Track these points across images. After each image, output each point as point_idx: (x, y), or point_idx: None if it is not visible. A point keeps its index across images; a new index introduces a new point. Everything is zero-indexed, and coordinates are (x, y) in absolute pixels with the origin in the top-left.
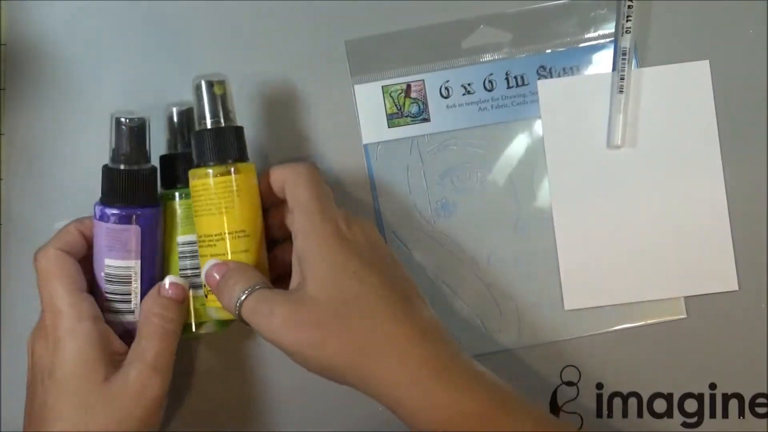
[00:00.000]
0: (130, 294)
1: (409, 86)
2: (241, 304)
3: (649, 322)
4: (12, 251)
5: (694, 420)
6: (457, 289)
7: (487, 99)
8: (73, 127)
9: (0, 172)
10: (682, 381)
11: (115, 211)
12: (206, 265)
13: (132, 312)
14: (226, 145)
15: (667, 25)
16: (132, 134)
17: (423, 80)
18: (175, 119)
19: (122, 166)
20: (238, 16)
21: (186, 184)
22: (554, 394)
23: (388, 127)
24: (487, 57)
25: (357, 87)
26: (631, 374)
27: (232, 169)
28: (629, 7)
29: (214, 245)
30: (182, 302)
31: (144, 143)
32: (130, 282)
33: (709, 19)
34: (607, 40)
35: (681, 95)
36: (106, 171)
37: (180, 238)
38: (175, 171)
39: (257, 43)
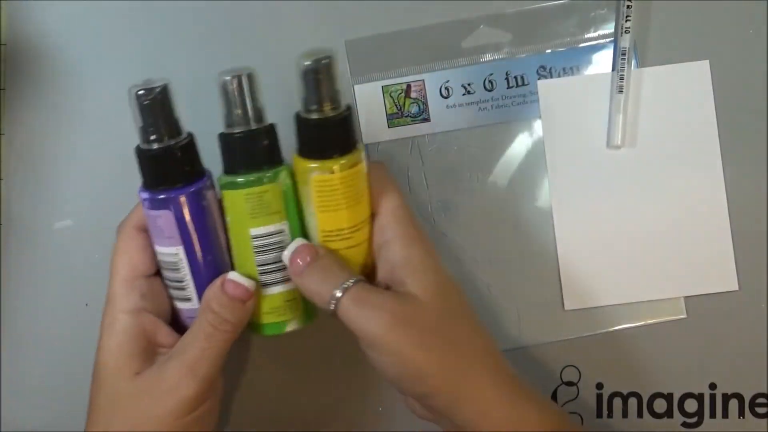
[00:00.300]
0: (183, 281)
1: (409, 86)
2: (342, 294)
3: (649, 322)
4: (12, 251)
5: (694, 420)
6: None
7: (487, 99)
8: (73, 127)
9: (0, 172)
10: (682, 381)
11: (145, 196)
12: (291, 246)
13: (189, 299)
14: (346, 134)
15: (667, 25)
16: (150, 106)
17: (423, 80)
18: (231, 88)
19: (148, 145)
20: (238, 16)
21: (251, 168)
22: (554, 394)
23: (388, 127)
24: (487, 57)
25: (357, 87)
26: (631, 374)
27: (359, 157)
28: (628, 7)
29: (351, 237)
30: (244, 303)
31: (167, 113)
32: (179, 269)
33: (709, 19)
34: (607, 40)
35: (681, 95)
36: (136, 152)
37: (253, 231)
38: (237, 153)
39: (257, 43)
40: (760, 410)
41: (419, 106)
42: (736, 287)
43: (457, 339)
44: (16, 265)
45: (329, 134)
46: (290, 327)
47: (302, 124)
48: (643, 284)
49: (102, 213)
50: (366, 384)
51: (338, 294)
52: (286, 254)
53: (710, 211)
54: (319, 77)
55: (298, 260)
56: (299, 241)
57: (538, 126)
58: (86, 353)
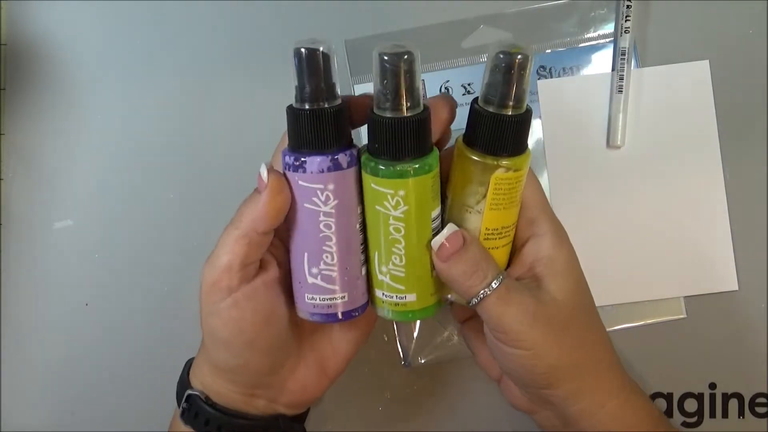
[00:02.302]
0: (364, 242)
1: None
2: (493, 290)
3: (649, 322)
4: (12, 251)
5: (694, 420)
6: None
7: None
8: (72, 127)
9: (0, 172)
10: (682, 381)
11: (350, 154)
12: (446, 231)
13: (365, 264)
14: (528, 131)
15: (667, 25)
16: (320, 62)
17: (423, 80)
18: (406, 68)
19: (324, 104)
20: (237, 17)
21: (426, 152)
22: None
23: None
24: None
25: (357, 87)
26: (631, 374)
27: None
28: (628, 7)
29: (507, 235)
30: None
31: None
32: (364, 228)
33: (709, 19)
34: (607, 40)
35: (681, 95)
36: (337, 110)
37: (433, 213)
38: (423, 137)
39: (257, 43)
40: (760, 410)
41: None
42: (735, 287)
43: (585, 336)
44: (16, 265)
45: (524, 131)
46: (440, 308)
47: (497, 120)
48: (643, 284)
49: (102, 213)
50: (366, 384)
51: (486, 292)
52: (439, 239)
53: (710, 211)
54: (522, 73)
55: (447, 246)
56: (453, 227)
57: (538, 126)
58: (86, 353)
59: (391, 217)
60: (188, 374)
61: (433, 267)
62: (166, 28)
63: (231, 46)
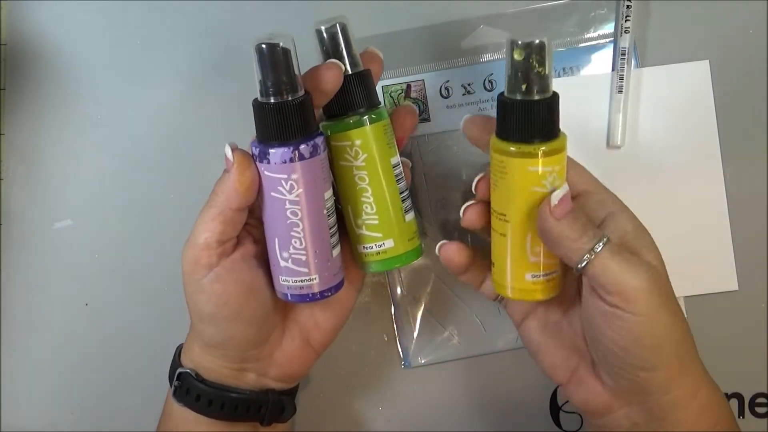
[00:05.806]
0: (334, 226)
1: (409, 86)
2: (604, 247)
3: None
4: (12, 251)
5: None
6: (457, 290)
7: (487, 99)
8: (72, 127)
9: (0, 172)
10: None
11: (318, 141)
12: (562, 190)
13: (338, 245)
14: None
15: (667, 25)
16: (280, 57)
17: (423, 80)
18: (339, 36)
19: (290, 96)
20: (235, 17)
21: (375, 105)
22: (554, 394)
23: None
24: (487, 57)
25: None
26: None
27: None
28: (628, 7)
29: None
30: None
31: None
32: (333, 213)
33: (709, 19)
34: (607, 40)
35: (681, 95)
36: (302, 100)
37: (393, 160)
38: (371, 89)
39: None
40: (760, 410)
41: (419, 106)
42: (736, 287)
43: (679, 312)
44: (16, 265)
45: (554, 113)
46: (422, 253)
47: (528, 106)
48: None
49: (102, 213)
50: (366, 384)
51: (598, 247)
52: (558, 194)
53: (710, 211)
54: (541, 58)
55: (564, 204)
56: (566, 187)
57: None
58: (86, 353)
59: (354, 168)
60: (179, 356)
61: (404, 213)
62: (167, 28)
63: (231, 46)
